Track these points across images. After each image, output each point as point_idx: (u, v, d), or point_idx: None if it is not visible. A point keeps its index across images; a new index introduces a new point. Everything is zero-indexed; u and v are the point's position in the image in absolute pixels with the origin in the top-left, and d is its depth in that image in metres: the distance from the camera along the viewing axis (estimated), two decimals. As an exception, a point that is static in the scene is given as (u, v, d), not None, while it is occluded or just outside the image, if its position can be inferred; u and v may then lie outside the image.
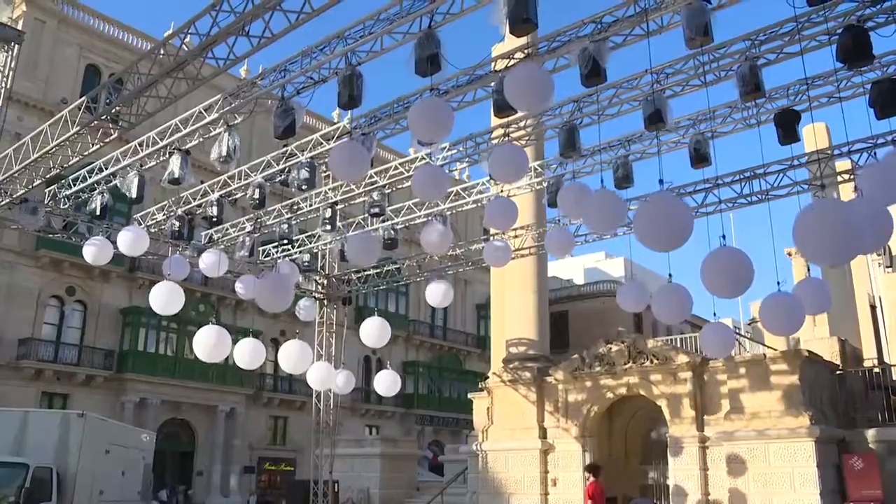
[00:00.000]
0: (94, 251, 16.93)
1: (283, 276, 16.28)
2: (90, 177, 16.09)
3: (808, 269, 43.19)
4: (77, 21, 37.92)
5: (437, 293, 18.73)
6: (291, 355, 17.84)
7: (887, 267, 27.37)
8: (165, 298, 15.98)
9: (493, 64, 12.40)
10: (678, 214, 9.38)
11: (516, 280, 23.06)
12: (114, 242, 16.99)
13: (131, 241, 16.32)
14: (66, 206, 17.34)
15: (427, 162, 15.04)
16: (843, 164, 16.50)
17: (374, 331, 18.76)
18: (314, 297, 23.26)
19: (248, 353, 17.03)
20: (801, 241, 8.57)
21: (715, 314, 14.57)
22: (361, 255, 16.00)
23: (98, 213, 16.21)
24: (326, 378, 20.10)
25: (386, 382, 20.51)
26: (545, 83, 9.49)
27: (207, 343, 15.56)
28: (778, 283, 11.78)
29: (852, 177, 16.07)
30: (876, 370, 19.60)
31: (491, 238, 18.77)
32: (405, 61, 10.06)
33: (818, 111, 13.41)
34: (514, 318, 23.23)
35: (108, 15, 39.29)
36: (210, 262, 17.73)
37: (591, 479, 16.84)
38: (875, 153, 14.42)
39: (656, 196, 9.93)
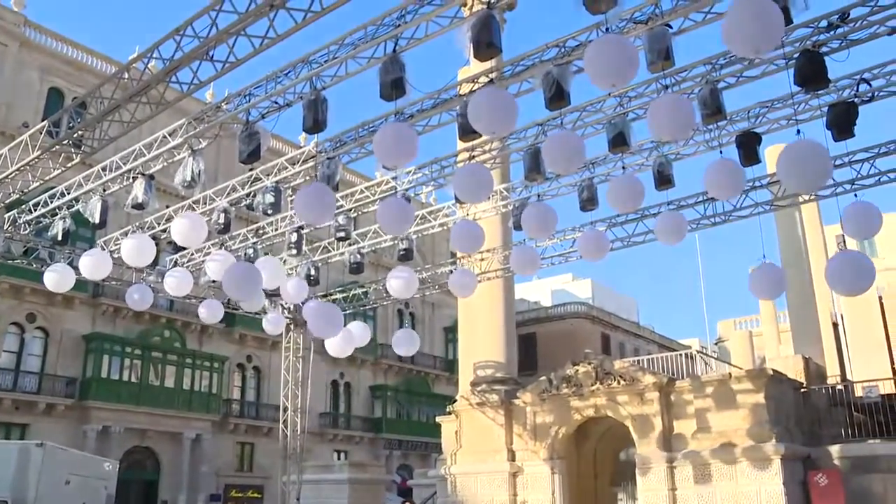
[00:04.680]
0: (55, 277, 16.67)
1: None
2: (52, 202, 15.88)
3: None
4: (39, 44, 37.46)
5: (403, 341, 18.74)
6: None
7: (848, 285, 27.80)
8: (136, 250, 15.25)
9: (458, 88, 12.48)
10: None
11: (484, 303, 23.09)
12: (76, 268, 16.73)
13: (93, 265, 16.06)
14: (27, 231, 17.07)
15: (392, 195, 15.06)
16: (803, 185, 16.78)
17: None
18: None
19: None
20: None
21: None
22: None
23: (60, 238, 15.97)
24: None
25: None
26: (508, 107, 9.55)
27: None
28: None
29: (812, 197, 16.37)
30: (839, 387, 19.88)
31: (457, 264, 18.77)
32: (370, 85, 10.11)
33: (778, 133, 13.68)
34: (481, 340, 23.23)
35: (71, 38, 38.87)
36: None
37: None
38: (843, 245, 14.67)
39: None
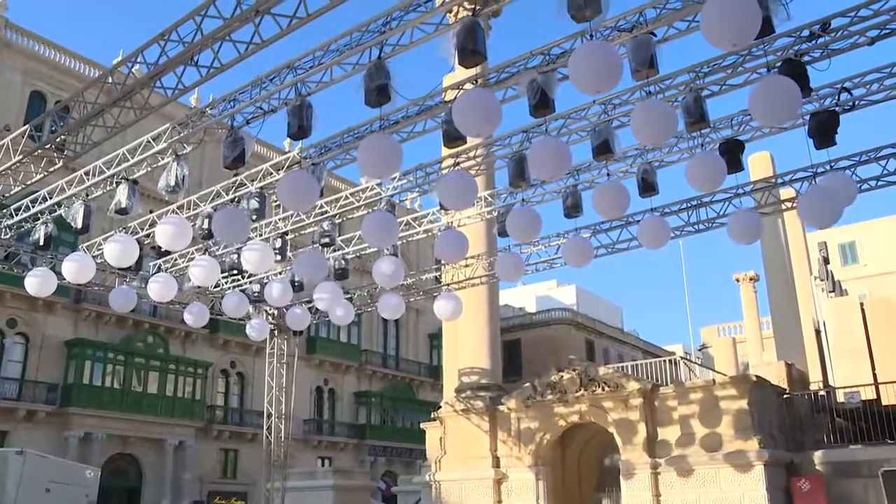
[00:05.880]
0: (36, 282, 16.51)
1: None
2: (33, 206, 15.73)
3: (756, 292, 44.07)
4: (22, 46, 37.15)
5: (389, 306, 18.68)
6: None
7: (830, 292, 28.06)
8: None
9: (443, 94, 12.49)
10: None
11: (468, 309, 23.00)
12: (58, 273, 16.59)
13: (77, 269, 15.92)
14: (8, 236, 16.91)
15: (377, 205, 15.02)
16: (786, 192, 16.91)
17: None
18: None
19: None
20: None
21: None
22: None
23: (42, 243, 15.82)
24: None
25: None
26: (491, 107, 9.57)
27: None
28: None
29: (794, 205, 16.47)
30: (821, 393, 20.02)
31: (441, 271, 18.74)
32: (356, 90, 10.10)
33: (762, 140, 13.79)
34: (466, 347, 23.22)
35: (54, 41, 38.56)
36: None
37: None
38: (815, 181, 14.86)
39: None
